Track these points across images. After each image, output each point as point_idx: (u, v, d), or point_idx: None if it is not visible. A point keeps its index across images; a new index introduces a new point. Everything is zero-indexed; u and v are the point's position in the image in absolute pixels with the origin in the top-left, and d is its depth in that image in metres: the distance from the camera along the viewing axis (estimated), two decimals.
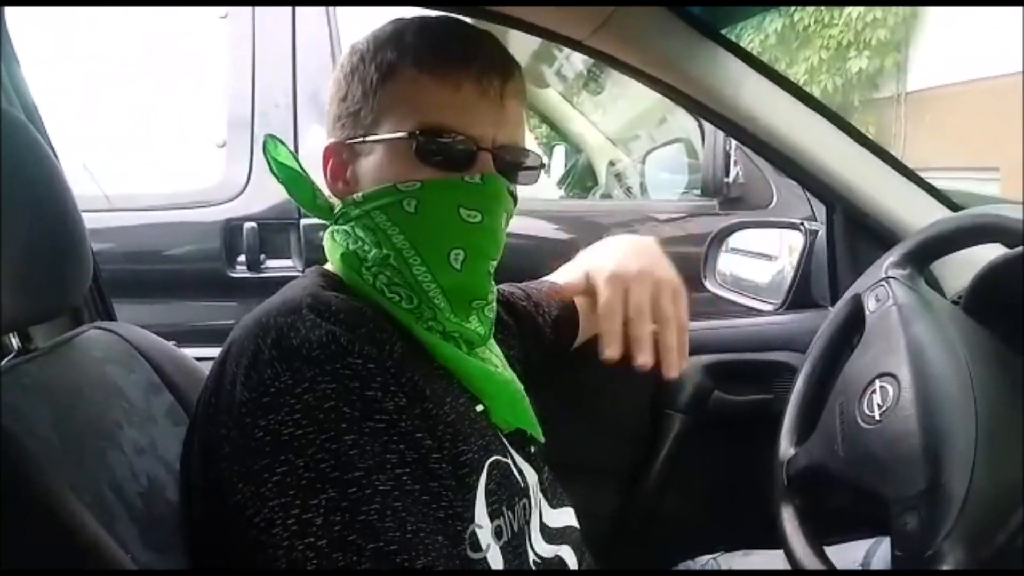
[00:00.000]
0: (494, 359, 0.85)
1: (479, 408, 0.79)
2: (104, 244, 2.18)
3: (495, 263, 0.80)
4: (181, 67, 2.37)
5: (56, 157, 0.85)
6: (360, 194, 0.77)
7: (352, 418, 0.63)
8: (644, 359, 0.88)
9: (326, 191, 0.83)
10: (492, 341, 0.87)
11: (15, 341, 0.85)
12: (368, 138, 0.77)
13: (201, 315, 2.31)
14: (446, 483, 0.69)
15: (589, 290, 0.96)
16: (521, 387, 0.86)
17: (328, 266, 0.83)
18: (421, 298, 0.76)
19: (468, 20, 0.83)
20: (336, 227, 0.81)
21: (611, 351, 0.87)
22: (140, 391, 0.87)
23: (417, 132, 0.74)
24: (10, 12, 1.06)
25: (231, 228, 2.23)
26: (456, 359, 0.78)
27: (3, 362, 0.80)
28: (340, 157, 0.80)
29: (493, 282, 0.83)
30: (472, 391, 0.79)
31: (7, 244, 0.70)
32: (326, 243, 0.82)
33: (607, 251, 1.02)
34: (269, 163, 0.81)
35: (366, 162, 0.78)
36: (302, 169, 0.82)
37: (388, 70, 0.76)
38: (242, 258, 2.23)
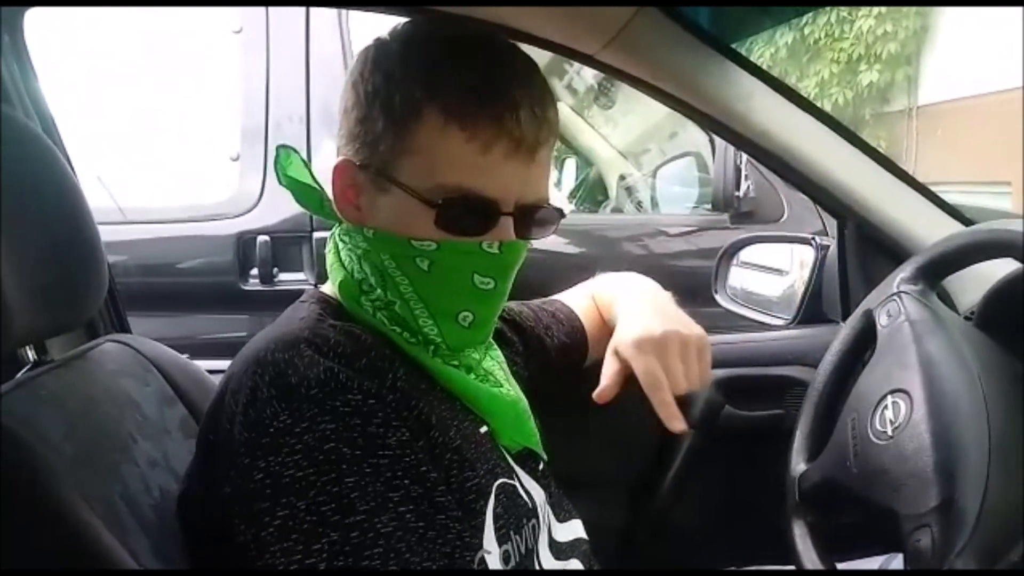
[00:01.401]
0: (496, 371, 0.84)
1: (483, 430, 0.78)
2: (118, 257, 2.19)
3: (497, 315, 0.80)
4: (195, 81, 2.39)
5: (73, 170, 0.86)
6: (372, 230, 0.74)
7: (353, 457, 0.62)
8: (679, 426, 0.87)
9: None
10: (493, 350, 0.86)
11: (31, 353, 0.86)
12: (385, 175, 0.72)
13: (214, 328, 2.33)
14: (452, 515, 0.67)
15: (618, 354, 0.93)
16: (526, 405, 0.86)
17: (327, 288, 0.81)
18: (422, 339, 0.75)
19: (508, 44, 0.77)
20: (342, 241, 0.79)
21: (676, 424, 0.87)
22: (154, 404, 0.88)
23: (439, 197, 0.70)
24: (29, 28, 1.07)
25: (244, 241, 2.25)
26: (461, 382, 0.77)
27: (19, 374, 0.81)
28: (353, 179, 0.75)
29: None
30: (477, 412, 0.79)
31: (24, 256, 0.70)
32: (329, 257, 0.80)
33: (629, 303, 1.00)
34: (277, 173, 0.80)
35: (381, 199, 0.73)
36: (315, 182, 0.80)
37: (414, 109, 0.70)
38: (255, 271, 2.24)
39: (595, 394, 0.90)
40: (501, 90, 0.70)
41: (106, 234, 0.86)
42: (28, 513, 0.62)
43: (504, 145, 0.69)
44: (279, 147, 0.80)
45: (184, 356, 1.00)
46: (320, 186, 0.80)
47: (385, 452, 0.64)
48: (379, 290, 0.75)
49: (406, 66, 0.72)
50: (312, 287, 0.84)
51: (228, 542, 0.63)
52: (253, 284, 2.25)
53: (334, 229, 0.81)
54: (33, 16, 1.08)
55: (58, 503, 0.63)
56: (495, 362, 0.86)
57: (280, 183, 0.81)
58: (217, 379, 0.96)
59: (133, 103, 2.35)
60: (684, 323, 0.95)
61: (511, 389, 0.85)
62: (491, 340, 0.85)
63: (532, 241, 0.77)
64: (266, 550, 0.60)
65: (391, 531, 0.61)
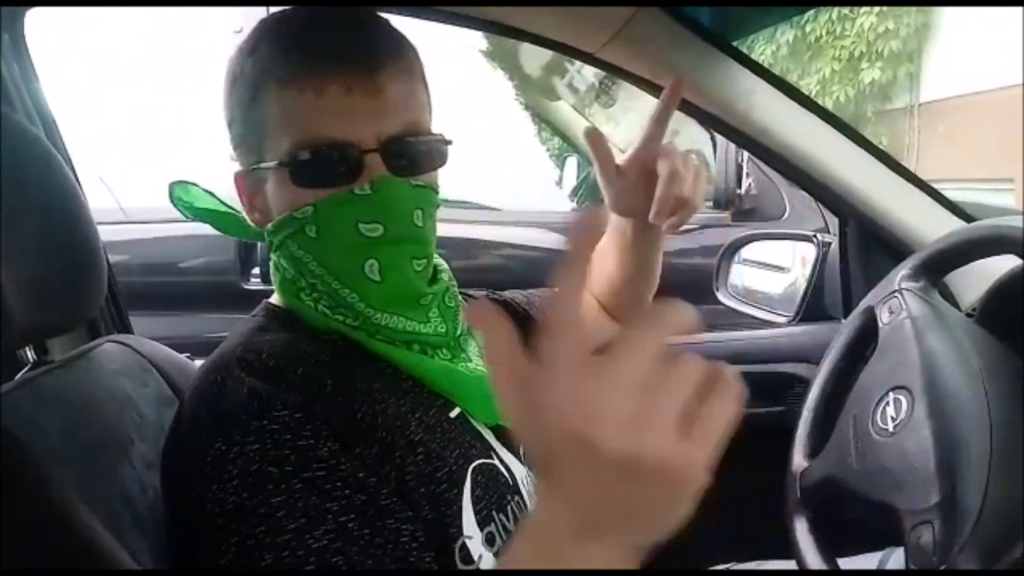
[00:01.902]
0: (469, 346, 0.82)
1: (454, 413, 0.76)
2: (120, 256, 2.20)
3: (426, 260, 0.76)
4: (196, 81, 2.39)
5: (73, 170, 0.86)
6: (270, 224, 0.75)
7: (282, 475, 0.60)
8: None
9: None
10: (468, 336, 0.83)
11: (31, 354, 0.86)
12: (261, 165, 0.73)
13: (216, 327, 2.32)
14: (401, 516, 0.64)
15: None
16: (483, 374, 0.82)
17: (274, 298, 0.81)
18: (358, 315, 0.73)
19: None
20: (274, 253, 0.78)
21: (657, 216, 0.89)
22: (152, 405, 0.88)
23: (288, 157, 0.69)
24: (30, 28, 1.07)
25: (245, 241, 2.25)
26: (419, 365, 0.75)
27: (19, 374, 0.81)
28: (245, 187, 0.76)
29: (443, 273, 0.81)
30: (444, 395, 0.76)
31: (23, 257, 0.70)
32: (271, 268, 0.80)
33: None
34: (180, 211, 0.80)
35: (267, 190, 0.74)
36: (221, 202, 0.80)
37: (254, 90, 0.71)
38: (256, 270, 2.25)
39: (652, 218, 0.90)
40: (316, 36, 0.70)
41: (108, 234, 0.86)
42: (28, 513, 0.62)
43: (336, 82, 0.68)
44: (172, 184, 0.80)
45: (185, 356, 1.01)
46: (231, 207, 0.80)
47: (320, 464, 0.62)
48: (302, 278, 0.75)
49: (240, 54, 0.73)
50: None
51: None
52: (255, 283, 2.25)
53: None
54: (34, 16, 1.08)
55: (58, 503, 0.63)
56: (469, 338, 0.83)
57: (189, 218, 0.81)
58: None
59: (134, 103, 2.36)
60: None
61: (480, 363, 0.81)
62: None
63: (419, 179, 0.73)
64: None
65: (325, 545, 0.59)
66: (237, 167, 0.76)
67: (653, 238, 1.02)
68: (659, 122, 0.94)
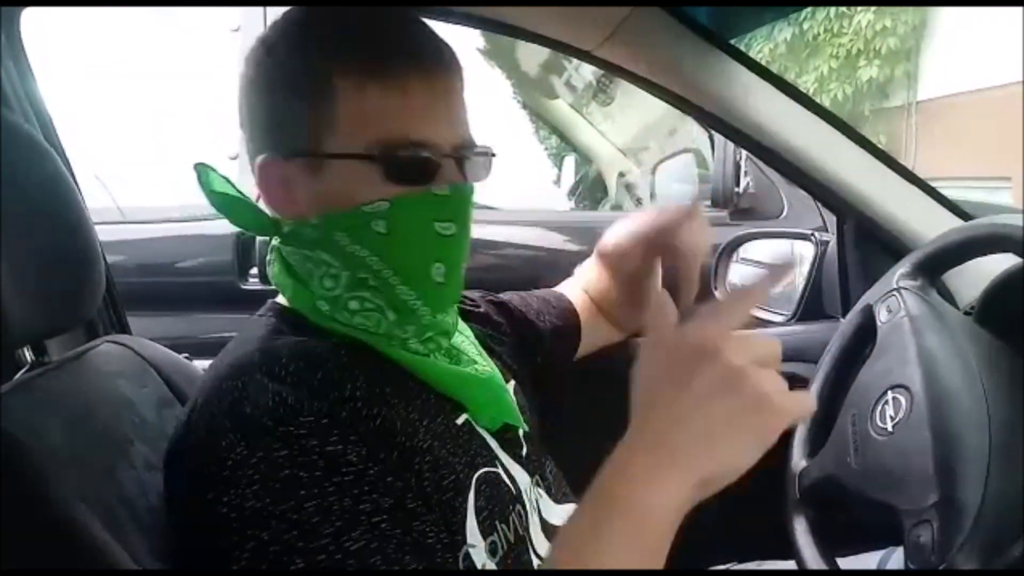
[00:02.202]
0: (467, 347, 0.82)
1: (461, 420, 0.76)
2: (117, 256, 2.19)
3: (465, 264, 0.77)
4: (193, 80, 2.39)
5: (70, 170, 0.86)
6: (318, 218, 0.71)
7: (312, 480, 0.60)
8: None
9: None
10: (461, 325, 0.85)
11: (29, 354, 0.85)
12: (316, 155, 0.70)
13: (214, 327, 2.32)
14: (426, 519, 0.65)
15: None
16: (501, 379, 0.83)
17: (281, 299, 0.79)
18: (403, 314, 0.73)
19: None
20: (286, 248, 0.76)
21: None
22: (151, 406, 0.87)
23: (376, 151, 0.68)
24: (26, 27, 1.07)
25: (243, 240, 2.24)
26: (432, 370, 0.75)
27: (17, 375, 0.81)
28: (281, 176, 0.72)
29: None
30: (453, 399, 0.76)
31: (22, 258, 0.70)
32: (274, 267, 0.78)
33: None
34: (206, 194, 0.76)
35: (317, 182, 0.71)
36: (240, 192, 0.77)
37: (322, 78, 0.69)
38: (254, 270, 2.24)
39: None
40: (396, 37, 0.70)
41: (105, 234, 0.86)
42: (26, 515, 0.62)
43: (419, 84, 0.69)
44: (196, 165, 0.77)
45: (183, 356, 1.00)
46: (247, 197, 0.77)
47: (349, 468, 0.62)
48: (345, 273, 0.72)
49: (292, 39, 0.72)
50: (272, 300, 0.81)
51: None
52: (252, 283, 2.25)
53: (272, 243, 0.79)
54: (30, 16, 1.08)
55: (56, 505, 0.63)
56: (463, 337, 0.84)
57: (212, 204, 0.77)
58: None
59: (131, 103, 2.35)
60: None
61: (485, 364, 0.82)
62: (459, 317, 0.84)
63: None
64: None
65: (363, 546, 0.59)
66: (265, 156, 0.73)
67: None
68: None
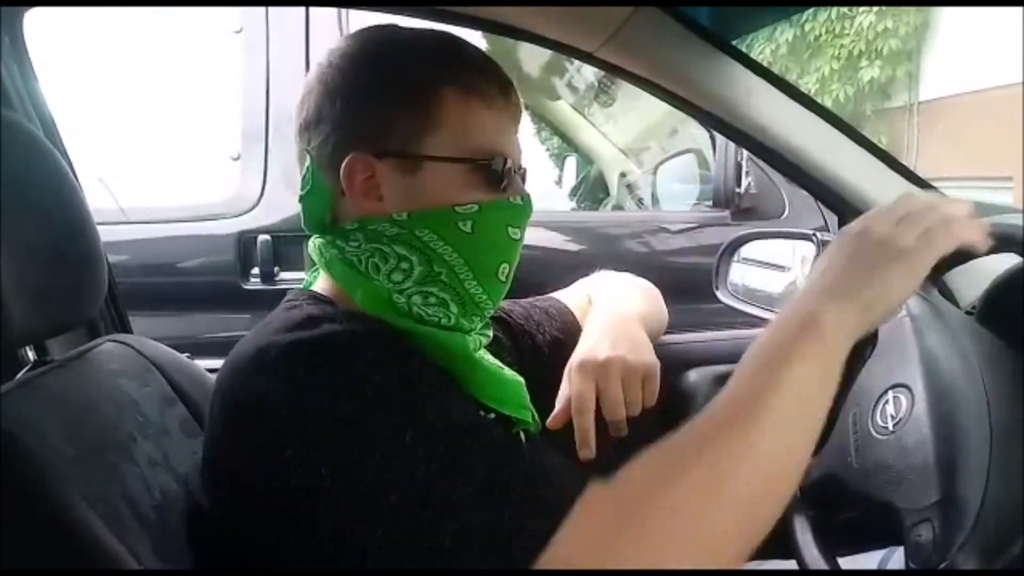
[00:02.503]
0: (489, 358, 0.86)
1: (491, 416, 0.80)
2: (120, 257, 2.19)
3: None
4: (196, 81, 2.39)
5: (72, 170, 0.86)
6: (405, 213, 0.75)
7: (438, 382, 0.69)
8: (586, 454, 0.90)
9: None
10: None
11: (31, 354, 0.86)
12: (412, 155, 0.75)
13: (215, 327, 2.33)
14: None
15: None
16: (522, 380, 0.87)
17: (321, 287, 0.81)
18: (469, 309, 0.78)
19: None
20: (346, 245, 0.77)
21: (584, 452, 0.90)
22: (154, 404, 0.88)
23: (479, 157, 0.76)
24: (29, 29, 1.08)
25: (245, 240, 2.25)
26: (481, 368, 0.80)
27: (19, 374, 0.81)
28: (370, 171, 0.76)
29: None
30: (483, 400, 0.79)
31: (24, 258, 0.70)
32: (325, 258, 0.79)
33: (592, 322, 1.03)
34: (308, 175, 0.78)
35: (408, 181, 0.75)
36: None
37: (432, 87, 0.75)
38: (256, 270, 2.24)
39: (548, 422, 0.92)
40: (490, 63, 0.79)
41: (108, 234, 0.86)
42: (28, 514, 0.62)
43: (509, 110, 0.79)
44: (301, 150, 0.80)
45: (185, 355, 1.01)
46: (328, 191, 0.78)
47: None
48: (419, 267, 0.75)
49: (402, 51, 0.79)
50: (299, 291, 0.82)
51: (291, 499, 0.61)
52: (254, 283, 2.25)
53: (315, 240, 0.81)
54: (33, 17, 1.08)
55: (58, 504, 0.64)
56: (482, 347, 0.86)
57: (305, 188, 0.79)
58: None
59: (134, 104, 2.35)
60: (636, 348, 0.97)
61: (507, 368, 0.87)
62: None
63: None
64: (365, 479, 0.59)
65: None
66: (354, 154, 0.75)
67: None
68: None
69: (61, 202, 0.79)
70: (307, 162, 0.78)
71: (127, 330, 1.16)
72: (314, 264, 0.84)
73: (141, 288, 2.17)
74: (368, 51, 0.79)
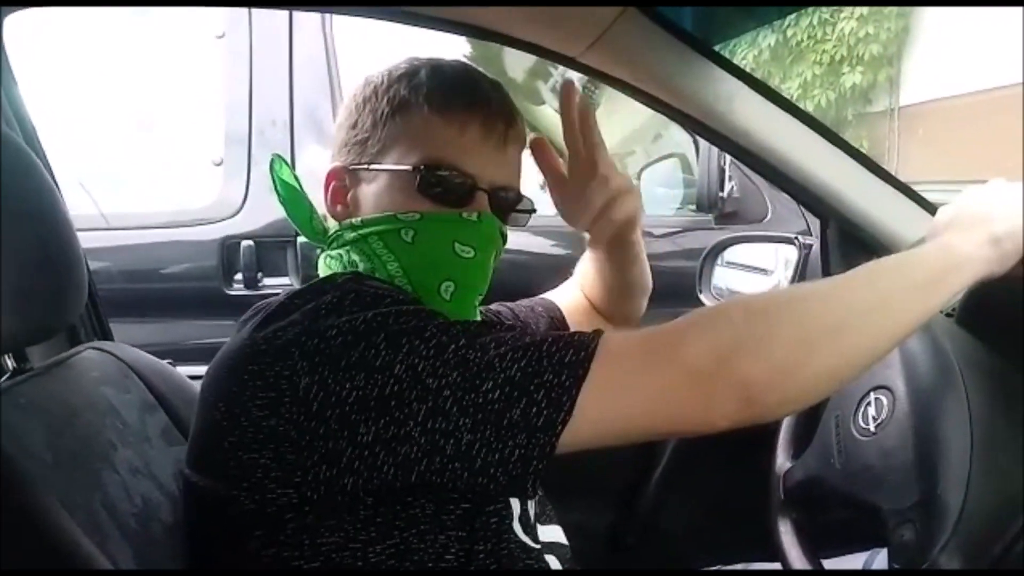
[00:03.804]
0: None
1: None
2: (102, 263, 2.18)
3: (481, 296, 0.84)
4: (178, 86, 2.38)
5: (53, 177, 0.86)
6: (359, 219, 0.80)
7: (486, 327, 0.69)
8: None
9: (322, 212, 0.86)
10: None
11: (10, 361, 0.85)
12: (372, 166, 0.80)
13: (199, 333, 2.31)
14: None
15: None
16: None
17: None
18: None
19: (477, 68, 0.87)
20: (329, 252, 0.84)
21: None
22: (135, 411, 0.87)
23: (421, 166, 0.77)
24: (8, 33, 1.07)
25: (228, 246, 2.23)
26: None
27: None
28: (342, 181, 0.83)
29: (478, 310, 0.87)
30: None
31: (2, 264, 0.70)
32: (321, 270, 0.84)
33: None
34: (274, 181, 0.84)
35: (368, 188, 0.81)
36: (303, 190, 0.86)
37: (400, 104, 0.80)
38: (239, 276, 2.23)
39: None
40: (472, 85, 0.81)
41: (90, 240, 0.86)
42: (8, 522, 0.61)
43: (477, 127, 0.79)
44: (273, 156, 0.85)
45: (167, 362, 1.00)
46: (305, 194, 0.86)
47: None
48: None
49: (391, 76, 0.82)
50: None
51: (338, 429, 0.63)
52: (238, 289, 2.23)
53: (322, 253, 0.85)
54: (13, 20, 1.07)
55: (38, 512, 0.63)
56: None
57: (277, 193, 0.85)
58: (200, 385, 0.96)
59: (115, 108, 2.34)
60: None
61: None
62: None
63: (507, 231, 0.85)
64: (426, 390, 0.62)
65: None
66: (334, 164, 0.84)
67: (627, 254, 1.05)
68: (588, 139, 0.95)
69: (40, 208, 0.78)
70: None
71: (108, 337, 1.15)
72: (305, 268, 0.89)
73: (124, 295, 2.16)
74: (379, 77, 0.83)
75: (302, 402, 0.63)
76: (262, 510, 0.66)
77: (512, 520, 0.78)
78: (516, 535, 0.78)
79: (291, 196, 0.85)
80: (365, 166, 0.81)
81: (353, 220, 0.81)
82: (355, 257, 0.80)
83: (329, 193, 0.83)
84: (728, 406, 0.63)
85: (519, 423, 0.62)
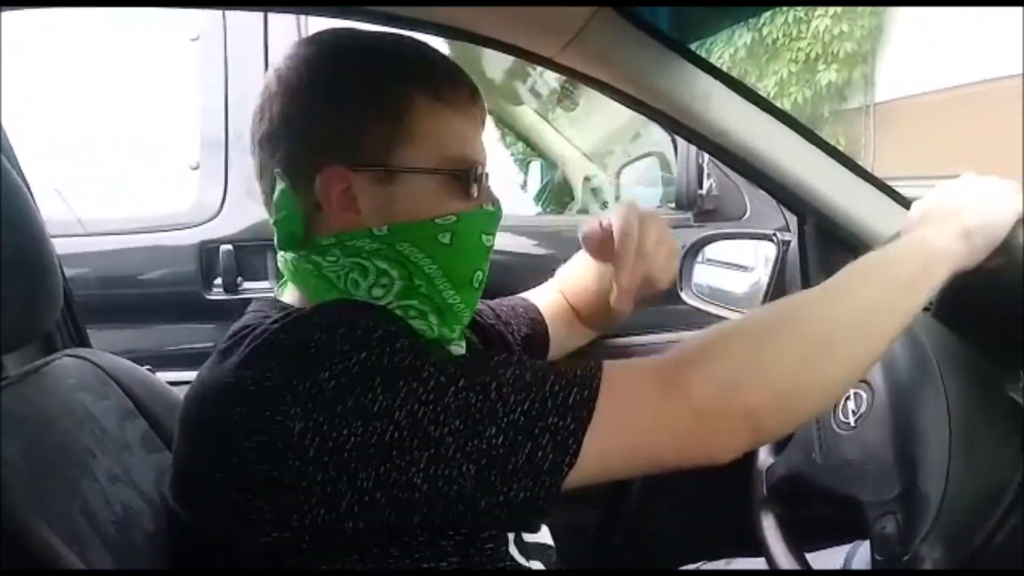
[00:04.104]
0: None
1: None
2: (79, 269, 2.15)
3: None
4: (152, 90, 2.36)
5: (25, 181, 0.84)
6: (386, 227, 0.73)
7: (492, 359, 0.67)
8: (623, 304, 0.87)
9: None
10: None
11: None
12: (387, 167, 0.73)
13: (178, 339, 2.29)
14: None
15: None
16: None
17: (290, 299, 0.78)
18: (448, 319, 0.77)
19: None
20: (323, 260, 0.75)
21: (622, 300, 0.86)
22: (113, 418, 0.86)
23: (448, 169, 0.75)
24: None
25: (207, 250, 2.21)
26: None
27: None
28: (345, 184, 0.73)
29: None
30: None
31: None
32: (297, 273, 0.77)
33: None
34: (281, 196, 0.74)
35: (385, 193, 0.74)
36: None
37: (403, 95, 0.73)
38: (219, 280, 2.21)
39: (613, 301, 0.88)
40: (457, 68, 0.78)
41: (66, 246, 0.84)
42: None
43: (477, 115, 0.79)
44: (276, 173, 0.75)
45: (145, 368, 0.99)
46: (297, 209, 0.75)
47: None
48: (399, 281, 0.74)
49: (382, 67, 0.75)
50: (264, 300, 0.80)
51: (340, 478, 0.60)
52: (217, 293, 2.21)
53: (285, 255, 0.78)
54: None
55: (15, 521, 0.62)
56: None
57: (274, 210, 0.76)
58: (180, 391, 0.95)
59: (90, 112, 2.31)
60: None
61: None
62: None
63: None
64: (425, 437, 0.60)
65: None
66: (331, 167, 0.73)
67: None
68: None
69: (12, 214, 0.77)
70: (279, 183, 0.74)
71: (85, 344, 1.13)
72: (282, 276, 0.82)
73: (102, 301, 2.13)
74: (334, 57, 0.77)
75: (297, 447, 0.60)
76: (257, 550, 0.63)
77: (508, 545, 0.78)
78: (512, 558, 0.78)
79: (285, 211, 0.75)
80: (375, 167, 0.73)
81: (375, 229, 0.73)
82: (383, 265, 0.74)
83: (334, 199, 0.73)
84: (735, 438, 0.64)
85: (524, 468, 0.61)
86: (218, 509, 0.64)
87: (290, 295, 0.80)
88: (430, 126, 0.74)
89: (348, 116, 0.74)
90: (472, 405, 0.62)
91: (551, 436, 0.61)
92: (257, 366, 0.64)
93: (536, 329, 1.09)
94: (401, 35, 0.81)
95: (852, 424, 0.85)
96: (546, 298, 1.13)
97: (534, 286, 1.18)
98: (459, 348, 0.82)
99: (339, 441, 0.60)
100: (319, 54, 0.77)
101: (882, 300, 0.70)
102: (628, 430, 0.64)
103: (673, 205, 2.62)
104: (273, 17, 2.28)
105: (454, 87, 0.76)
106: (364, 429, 0.60)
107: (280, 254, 0.79)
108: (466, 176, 0.76)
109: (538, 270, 1.20)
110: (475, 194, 0.77)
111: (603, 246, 0.90)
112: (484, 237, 0.78)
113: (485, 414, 0.61)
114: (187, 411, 0.70)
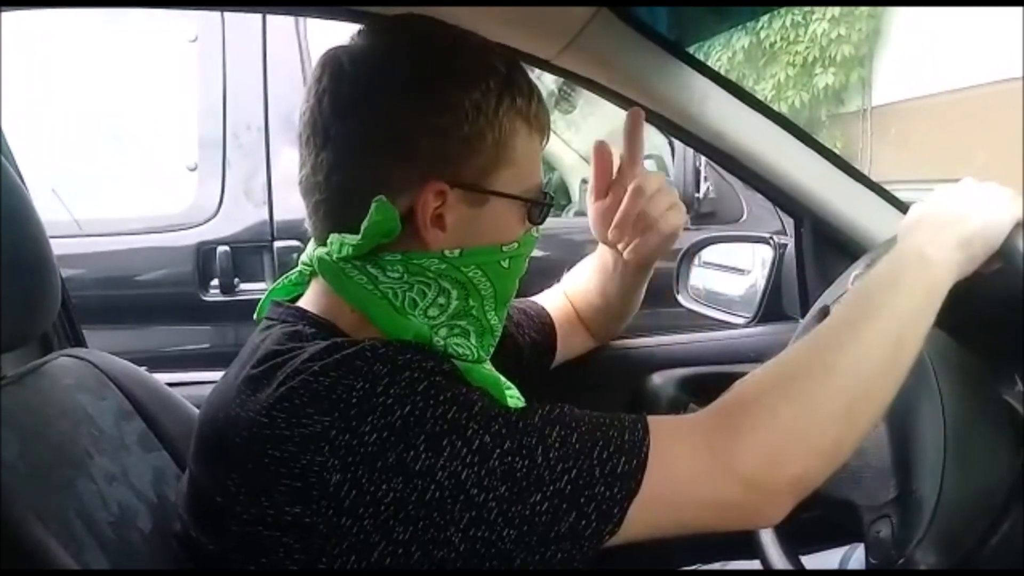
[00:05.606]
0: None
1: None
2: (76, 270, 2.16)
3: None
4: (151, 91, 2.36)
5: (23, 182, 0.84)
6: (457, 251, 0.71)
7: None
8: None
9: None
10: None
11: None
12: (481, 190, 0.71)
13: (175, 340, 2.29)
14: None
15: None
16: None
17: (317, 305, 0.74)
18: (486, 339, 0.76)
19: None
20: (382, 274, 0.70)
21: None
22: (110, 418, 0.86)
23: (537, 196, 0.76)
24: None
25: (204, 252, 2.22)
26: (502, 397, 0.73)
27: None
28: (441, 201, 0.70)
29: None
30: None
31: None
32: (346, 282, 0.71)
33: None
34: (380, 206, 0.68)
35: (470, 215, 0.71)
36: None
37: (514, 122, 0.72)
38: (215, 282, 2.21)
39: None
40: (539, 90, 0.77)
41: (63, 247, 0.84)
42: None
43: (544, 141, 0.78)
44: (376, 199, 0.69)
45: (143, 369, 0.99)
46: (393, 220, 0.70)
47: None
48: (456, 302, 0.72)
49: (482, 72, 0.71)
50: (287, 308, 0.75)
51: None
52: (214, 295, 2.22)
53: (333, 258, 0.71)
54: None
55: (11, 523, 0.62)
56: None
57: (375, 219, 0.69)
58: (177, 392, 0.95)
59: (88, 113, 2.31)
60: None
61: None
62: None
63: None
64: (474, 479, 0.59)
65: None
66: (436, 181, 0.69)
67: (635, 272, 1.05)
68: (631, 148, 1.01)
69: (11, 214, 0.77)
70: (373, 190, 0.68)
71: (81, 344, 1.13)
72: (282, 273, 0.80)
73: (99, 301, 2.14)
74: (438, 63, 0.71)
75: (333, 497, 0.58)
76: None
77: None
78: None
79: (383, 220, 0.69)
80: (470, 189, 0.71)
81: (447, 252, 0.71)
82: (447, 286, 0.72)
83: (430, 216, 0.70)
84: (779, 508, 0.65)
85: (566, 535, 0.61)
86: (243, 541, 0.62)
87: (318, 301, 0.74)
88: (524, 153, 0.74)
89: (458, 135, 0.70)
90: (518, 471, 0.60)
91: (596, 506, 0.61)
92: (293, 411, 0.61)
93: (545, 333, 1.09)
94: (495, 49, 0.76)
95: None
96: (553, 303, 1.13)
97: (531, 287, 1.18)
98: (488, 367, 0.79)
99: (377, 496, 0.58)
100: (424, 62, 0.71)
101: (901, 330, 0.70)
102: (674, 502, 0.63)
103: None
104: (271, 19, 2.29)
105: (543, 113, 0.76)
106: (404, 486, 0.58)
107: (322, 253, 0.72)
108: (541, 205, 0.77)
109: (535, 272, 1.19)
110: (538, 221, 0.78)
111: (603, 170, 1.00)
112: (527, 258, 0.79)
113: (531, 481, 0.60)
114: (208, 438, 0.67)
